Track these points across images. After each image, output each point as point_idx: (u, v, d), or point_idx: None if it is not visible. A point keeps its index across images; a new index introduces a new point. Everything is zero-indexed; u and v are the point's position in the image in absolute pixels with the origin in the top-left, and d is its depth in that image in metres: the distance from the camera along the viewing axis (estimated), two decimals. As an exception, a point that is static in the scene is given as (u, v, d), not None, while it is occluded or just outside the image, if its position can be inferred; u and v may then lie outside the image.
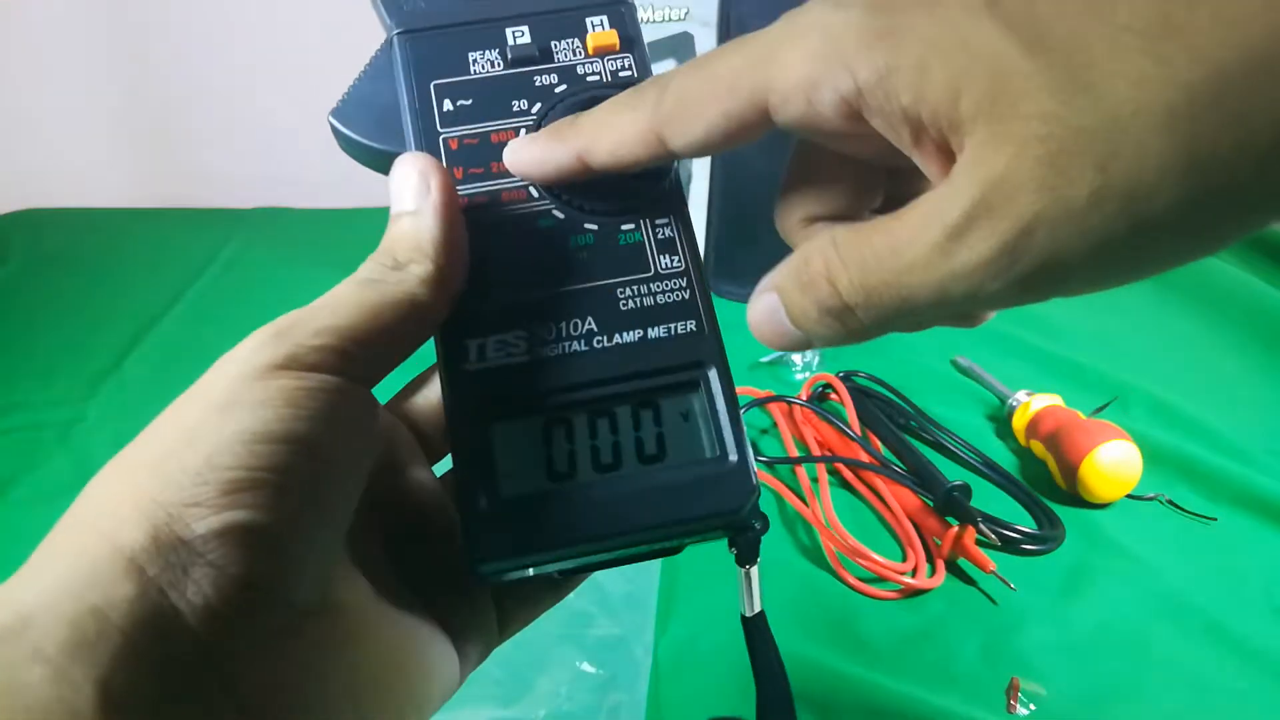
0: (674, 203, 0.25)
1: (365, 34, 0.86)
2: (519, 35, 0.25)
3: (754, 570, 0.26)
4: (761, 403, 0.61)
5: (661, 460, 0.23)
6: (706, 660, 0.45)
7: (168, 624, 0.17)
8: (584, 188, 0.24)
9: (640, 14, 0.63)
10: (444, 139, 0.24)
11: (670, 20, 0.62)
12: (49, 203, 0.88)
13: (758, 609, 0.26)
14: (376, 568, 0.23)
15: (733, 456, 0.23)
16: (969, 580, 0.50)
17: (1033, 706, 0.43)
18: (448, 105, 0.25)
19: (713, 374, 0.23)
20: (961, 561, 0.50)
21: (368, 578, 0.22)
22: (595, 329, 0.23)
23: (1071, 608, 0.49)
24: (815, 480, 0.56)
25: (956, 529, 0.50)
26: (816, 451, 0.58)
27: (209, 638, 0.18)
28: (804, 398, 0.61)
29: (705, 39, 0.67)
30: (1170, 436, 0.58)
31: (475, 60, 0.25)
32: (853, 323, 0.20)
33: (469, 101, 0.25)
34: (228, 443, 0.18)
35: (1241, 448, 0.58)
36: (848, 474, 0.57)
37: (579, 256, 0.24)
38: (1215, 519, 0.53)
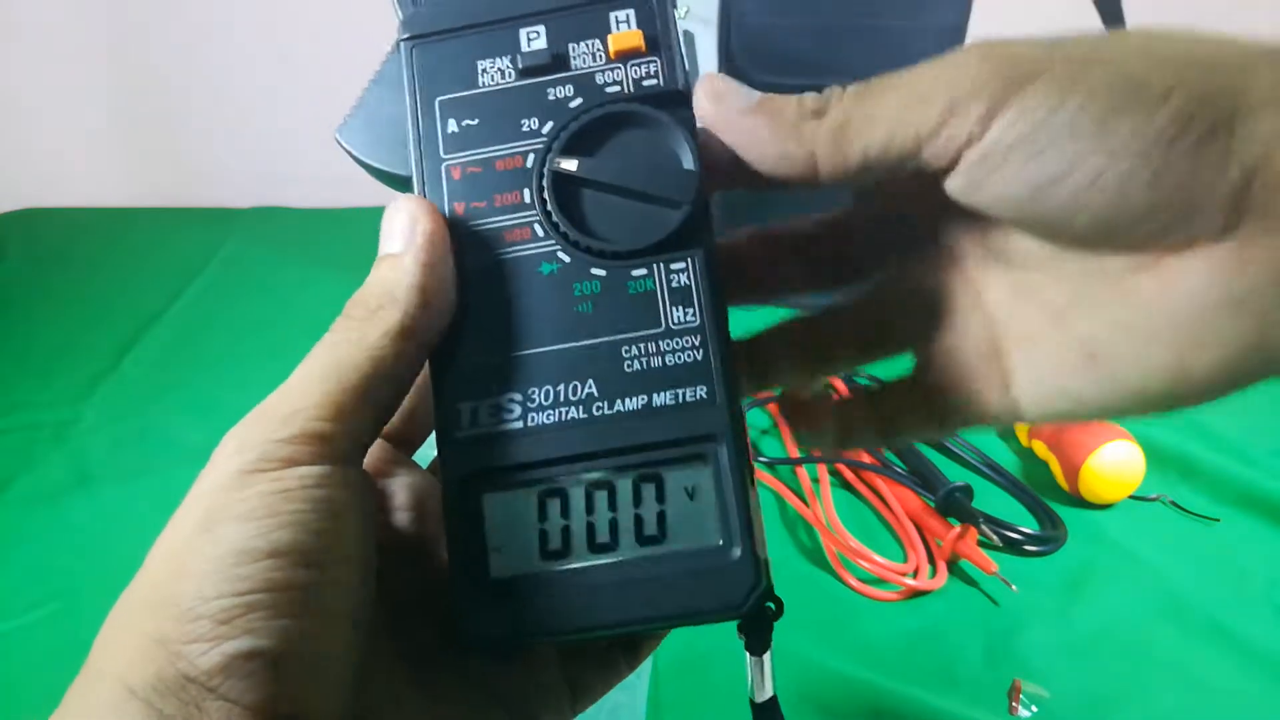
0: (695, 241, 0.22)
1: (364, 34, 0.85)
2: (533, 38, 0.23)
3: (766, 657, 0.24)
4: (762, 403, 0.61)
5: (661, 543, 0.21)
6: (706, 662, 0.45)
7: None
8: (592, 222, 0.22)
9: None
10: (446, 166, 0.22)
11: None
12: (46, 202, 0.87)
13: (769, 694, 0.25)
14: (419, 655, 0.22)
15: (736, 550, 0.21)
16: (971, 581, 0.50)
17: (1035, 708, 0.43)
18: (453, 126, 0.23)
19: (723, 451, 0.21)
20: (963, 563, 0.50)
21: (411, 669, 0.21)
22: (595, 394, 0.21)
23: (1074, 609, 0.49)
24: (816, 480, 0.56)
25: (958, 530, 0.50)
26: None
27: None
28: (804, 398, 0.61)
29: (705, 37, 0.66)
30: (1173, 437, 0.58)
31: (485, 70, 0.23)
32: None
33: (475, 121, 0.22)
34: (214, 568, 0.18)
35: (1244, 449, 0.58)
36: (849, 474, 0.57)
37: (582, 307, 0.22)
38: (1218, 520, 0.53)
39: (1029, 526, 0.52)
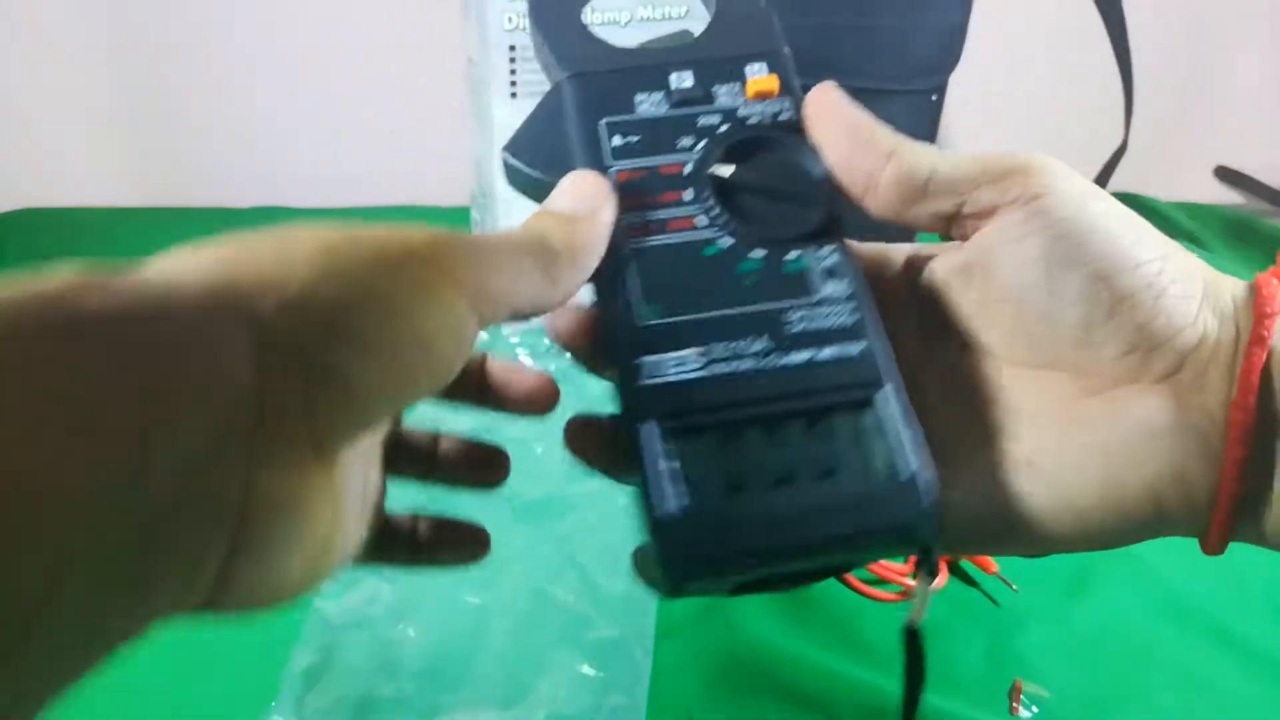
0: (836, 232, 0.25)
1: (364, 34, 0.85)
2: (682, 79, 0.27)
3: (932, 586, 0.26)
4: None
5: (835, 477, 0.23)
6: (706, 662, 0.45)
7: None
8: (748, 215, 0.25)
9: (640, 12, 0.62)
10: (613, 171, 0.26)
11: (670, 19, 0.62)
12: (46, 202, 0.87)
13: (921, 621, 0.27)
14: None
15: (904, 474, 0.23)
16: (971, 582, 0.50)
17: (1035, 709, 0.43)
18: (616, 140, 0.26)
19: (887, 390, 0.24)
20: (963, 563, 0.50)
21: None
22: (767, 348, 0.24)
23: (1074, 609, 0.49)
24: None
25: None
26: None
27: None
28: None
29: (705, 38, 0.67)
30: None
31: (641, 101, 0.26)
32: None
33: (636, 138, 0.26)
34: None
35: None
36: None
37: (746, 282, 0.24)
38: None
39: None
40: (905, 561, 0.50)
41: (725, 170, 0.25)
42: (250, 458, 0.18)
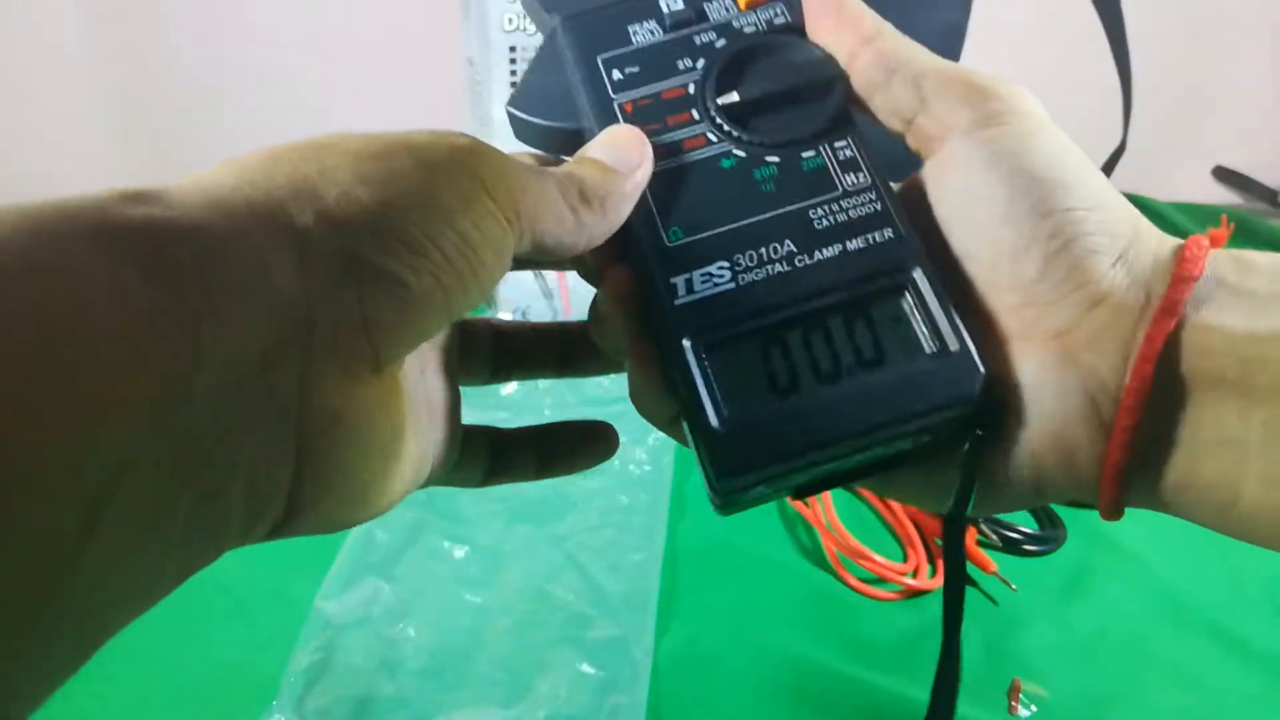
0: (848, 125, 0.25)
1: (365, 35, 0.85)
2: (672, 3, 0.27)
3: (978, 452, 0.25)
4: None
5: (882, 364, 0.23)
6: (706, 661, 0.45)
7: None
8: (758, 123, 0.25)
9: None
10: (618, 104, 0.26)
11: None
12: (47, 202, 0.88)
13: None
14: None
15: (953, 346, 0.23)
16: (971, 581, 0.50)
17: (1034, 708, 0.43)
18: (616, 74, 0.26)
19: (918, 273, 0.23)
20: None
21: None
22: (795, 249, 0.24)
23: (1073, 609, 0.49)
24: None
25: (957, 529, 0.50)
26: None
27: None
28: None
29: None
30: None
31: (635, 32, 0.26)
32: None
33: (636, 68, 0.26)
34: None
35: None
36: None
37: (766, 187, 0.25)
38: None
39: (1028, 526, 0.52)
40: (904, 560, 0.50)
41: (730, 97, 0.25)
42: (305, 368, 0.18)
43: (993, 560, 0.49)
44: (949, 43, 0.68)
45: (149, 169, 0.91)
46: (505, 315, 0.69)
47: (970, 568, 0.50)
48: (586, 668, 0.43)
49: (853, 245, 0.24)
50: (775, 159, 0.25)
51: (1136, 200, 0.92)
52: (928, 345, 0.23)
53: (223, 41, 0.85)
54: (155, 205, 0.17)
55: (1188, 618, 0.48)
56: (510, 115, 0.27)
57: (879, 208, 0.24)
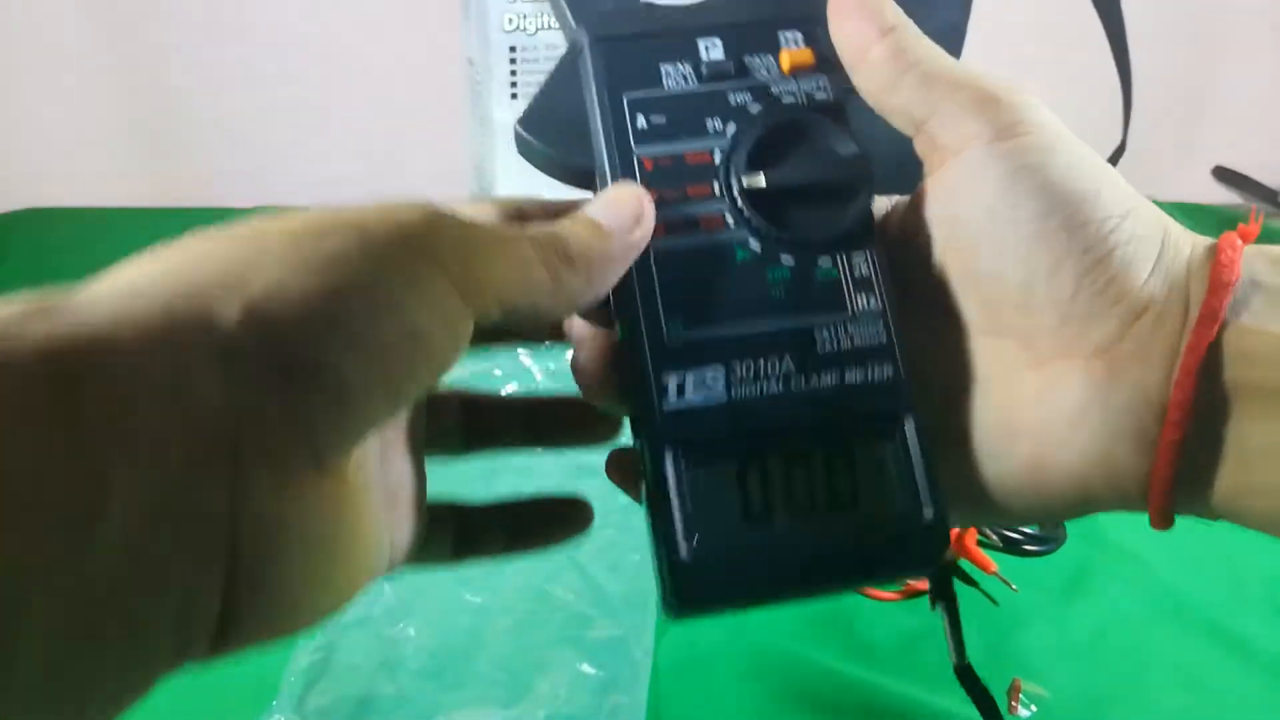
0: (869, 237, 0.24)
1: (364, 35, 0.85)
2: (711, 49, 0.25)
3: (956, 614, 0.26)
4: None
5: (854, 508, 0.22)
6: (706, 662, 0.45)
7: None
8: (780, 214, 0.23)
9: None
10: (639, 158, 0.24)
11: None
12: (49, 202, 0.87)
13: (966, 658, 0.26)
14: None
15: (927, 514, 0.22)
16: (970, 581, 0.50)
17: (1034, 708, 0.43)
18: (641, 122, 0.24)
19: (909, 425, 0.23)
20: (963, 562, 0.50)
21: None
22: (793, 369, 0.23)
23: (1073, 609, 0.49)
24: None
25: (958, 529, 0.50)
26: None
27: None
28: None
29: (705, 38, 0.67)
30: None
31: (668, 74, 0.24)
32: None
33: (663, 119, 0.24)
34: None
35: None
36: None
37: (776, 292, 0.23)
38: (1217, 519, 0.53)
39: (1028, 526, 0.52)
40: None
41: (757, 180, 0.23)
42: (234, 478, 0.16)
43: (993, 560, 0.49)
44: (949, 43, 0.67)
45: (150, 169, 0.91)
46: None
47: (970, 568, 0.50)
48: (586, 668, 0.43)
49: (850, 378, 0.23)
50: (791, 261, 0.23)
51: (1136, 200, 0.92)
52: (901, 503, 0.22)
53: (223, 41, 0.85)
54: (58, 320, 0.15)
55: (1188, 618, 0.48)
56: (518, 135, 0.25)
57: (884, 341, 0.23)
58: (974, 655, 0.46)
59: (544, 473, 0.54)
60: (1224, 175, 0.99)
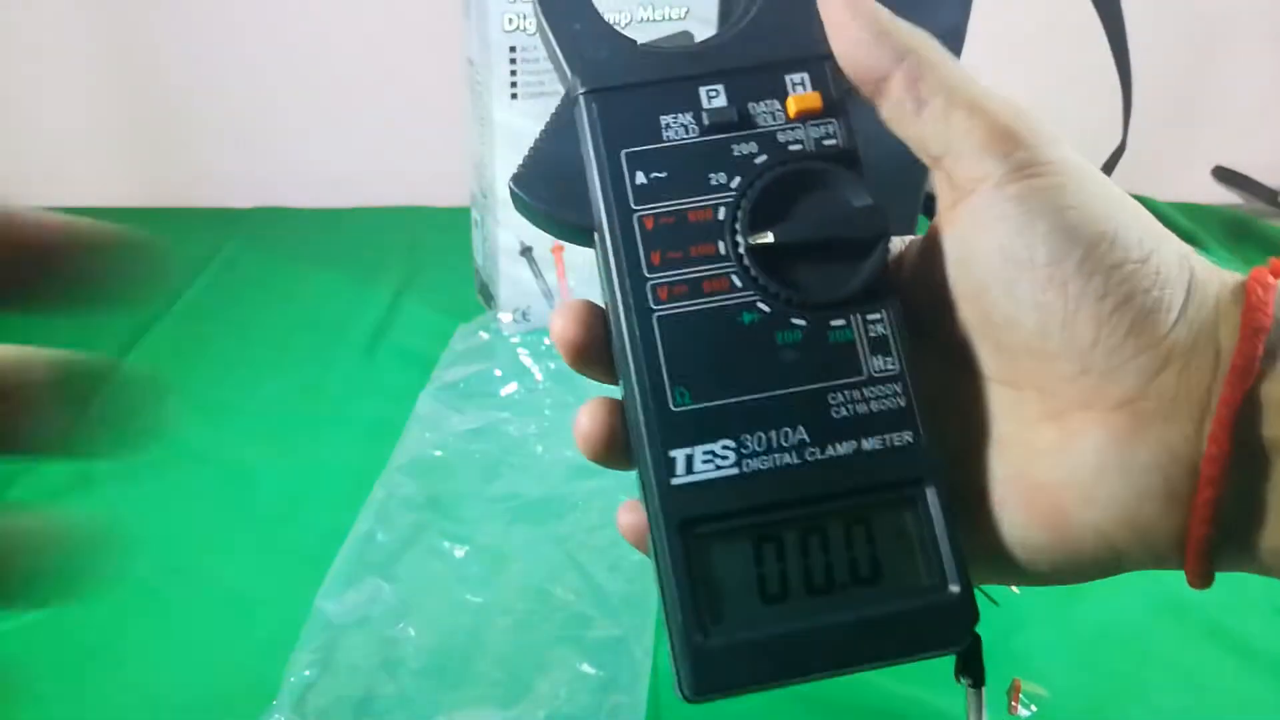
0: (885, 293, 0.23)
1: (365, 35, 0.85)
2: (713, 97, 0.23)
3: (983, 693, 0.25)
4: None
5: (876, 583, 0.21)
6: (707, 661, 0.45)
7: None
8: (789, 273, 0.22)
9: (639, 13, 0.62)
10: (639, 217, 0.23)
11: (670, 19, 0.62)
12: (48, 202, 0.87)
13: None
14: None
15: (954, 586, 0.21)
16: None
17: (1034, 708, 0.43)
18: (640, 178, 0.23)
19: (931, 493, 0.22)
20: (962, 562, 0.50)
21: None
22: (806, 439, 0.22)
23: (1073, 609, 0.49)
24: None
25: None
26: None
27: None
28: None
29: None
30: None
31: (668, 125, 0.23)
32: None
33: (663, 175, 0.23)
34: None
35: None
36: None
37: (786, 356, 0.22)
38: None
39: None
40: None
41: (764, 238, 0.22)
42: None
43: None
44: (949, 43, 0.67)
45: (149, 169, 0.91)
46: (506, 316, 0.69)
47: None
48: (586, 668, 0.43)
49: (868, 445, 0.22)
50: (802, 322, 0.22)
51: (1137, 200, 0.92)
52: (927, 575, 0.21)
53: (223, 41, 0.85)
54: None
55: (1188, 618, 0.48)
56: (512, 192, 0.24)
57: (902, 404, 0.22)
58: (974, 655, 0.46)
59: (544, 472, 0.54)
60: (1224, 175, 0.99)
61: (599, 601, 0.47)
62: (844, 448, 0.22)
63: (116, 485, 0.55)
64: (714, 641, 0.21)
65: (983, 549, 0.22)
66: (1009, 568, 0.22)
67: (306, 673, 0.43)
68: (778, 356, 0.22)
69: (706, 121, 0.23)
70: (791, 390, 0.22)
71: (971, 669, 0.23)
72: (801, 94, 0.23)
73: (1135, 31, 0.77)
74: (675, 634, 0.21)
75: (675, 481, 0.21)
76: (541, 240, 0.67)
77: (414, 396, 0.60)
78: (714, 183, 0.23)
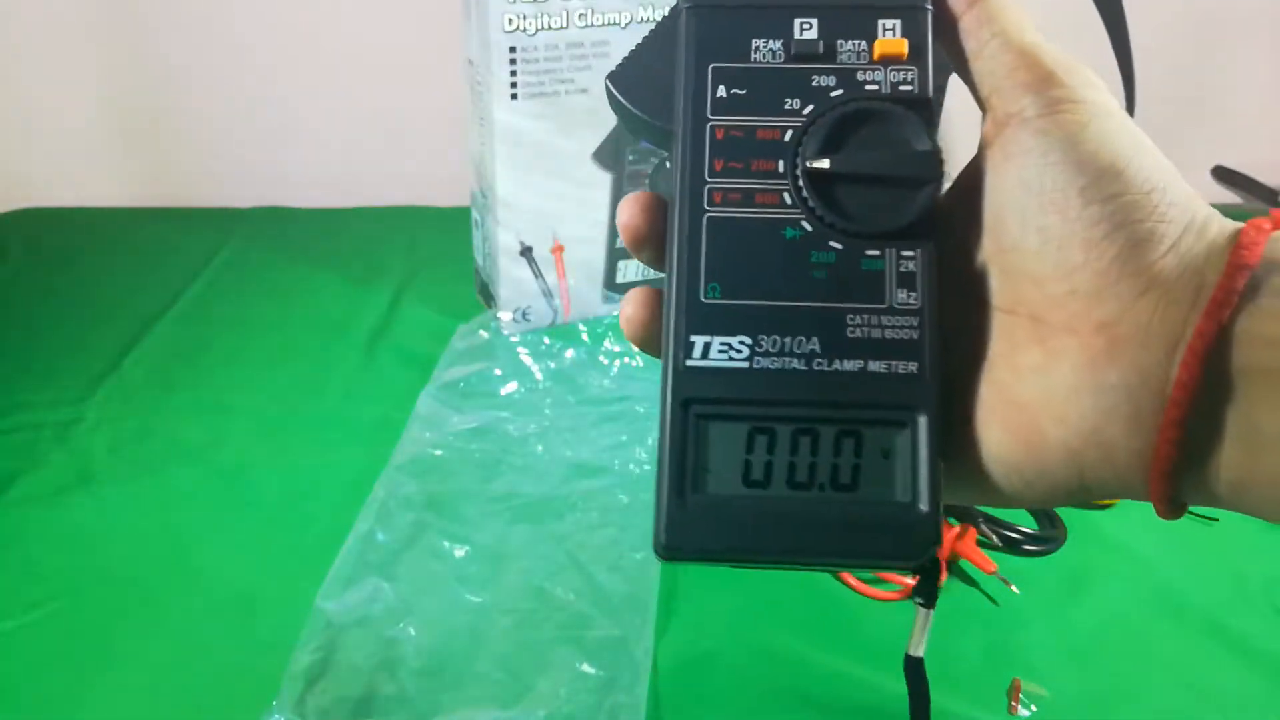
0: (925, 235, 0.24)
1: (365, 35, 0.85)
2: (806, 28, 0.25)
3: (930, 613, 0.27)
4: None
5: (853, 491, 0.23)
6: (706, 661, 0.45)
7: None
8: (838, 199, 0.24)
9: (640, 11, 0.62)
10: (711, 126, 0.24)
11: (670, 19, 0.62)
12: (48, 202, 0.87)
13: (922, 651, 0.27)
14: None
15: (923, 506, 0.22)
16: (970, 581, 0.50)
17: (1034, 708, 0.43)
18: (721, 91, 0.25)
19: (923, 420, 0.23)
20: (963, 562, 0.50)
21: None
22: (818, 350, 0.23)
23: (1073, 609, 0.49)
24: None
25: (957, 530, 0.50)
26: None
27: None
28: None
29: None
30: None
31: (758, 48, 0.25)
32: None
33: (743, 91, 0.25)
34: None
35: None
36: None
37: (817, 274, 0.24)
38: (1216, 519, 0.53)
39: (1028, 526, 0.52)
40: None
41: (822, 163, 0.24)
42: None
43: (993, 560, 0.49)
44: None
45: (148, 169, 0.91)
46: (506, 316, 0.69)
47: (970, 568, 0.50)
48: (586, 667, 0.43)
49: (874, 367, 0.23)
50: (839, 246, 0.24)
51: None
52: (901, 492, 0.23)
53: (222, 41, 0.86)
54: None
55: (1188, 618, 0.48)
56: (608, 88, 0.26)
57: (916, 336, 0.23)
58: (974, 655, 0.46)
59: (544, 472, 0.54)
60: (1224, 175, 0.99)
61: (599, 601, 0.47)
62: (850, 365, 0.23)
63: (118, 485, 0.55)
64: (691, 506, 0.23)
65: (965, 468, 0.24)
66: (987, 486, 0.24)
67: (306, 673, 0.43)
68: (809, 273, 0.24)
69: (794, 50, 0.25)
70: (814, 305, 0.23)
71: (925, 589, 0.25)
72: (889, 39, 0.25)
73: (1136, 31, 0.77)
74: (661, 493, 0.23)
75: (690, 363, 0.23)
76: (541, 240, 0.67)
77: (414, 396, 0.60)
78: (788, 107, 0.24)
